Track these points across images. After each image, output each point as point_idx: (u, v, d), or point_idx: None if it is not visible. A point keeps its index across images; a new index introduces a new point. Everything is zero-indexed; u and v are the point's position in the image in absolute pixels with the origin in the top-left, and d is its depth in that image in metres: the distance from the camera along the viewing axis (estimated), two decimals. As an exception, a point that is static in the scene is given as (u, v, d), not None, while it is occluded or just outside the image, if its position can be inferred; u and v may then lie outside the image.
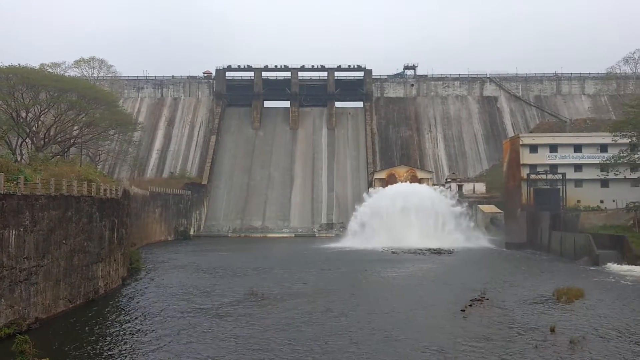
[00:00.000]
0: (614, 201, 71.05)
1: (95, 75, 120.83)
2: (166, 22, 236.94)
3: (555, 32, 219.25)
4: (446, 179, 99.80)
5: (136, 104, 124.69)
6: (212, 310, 31.99)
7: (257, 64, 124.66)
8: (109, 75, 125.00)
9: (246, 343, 25.13)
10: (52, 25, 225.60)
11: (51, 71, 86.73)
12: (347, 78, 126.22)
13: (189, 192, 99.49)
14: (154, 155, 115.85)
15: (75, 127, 76.30)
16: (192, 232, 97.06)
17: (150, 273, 47.66)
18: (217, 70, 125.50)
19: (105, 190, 38.75)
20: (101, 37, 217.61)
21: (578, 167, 76.67)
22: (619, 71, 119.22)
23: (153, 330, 27.56)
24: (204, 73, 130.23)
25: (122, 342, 25.75)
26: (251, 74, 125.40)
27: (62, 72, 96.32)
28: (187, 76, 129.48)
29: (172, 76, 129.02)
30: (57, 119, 71.00)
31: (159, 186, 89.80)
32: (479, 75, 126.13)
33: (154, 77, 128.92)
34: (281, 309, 32.21)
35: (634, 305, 33.05)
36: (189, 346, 24.73)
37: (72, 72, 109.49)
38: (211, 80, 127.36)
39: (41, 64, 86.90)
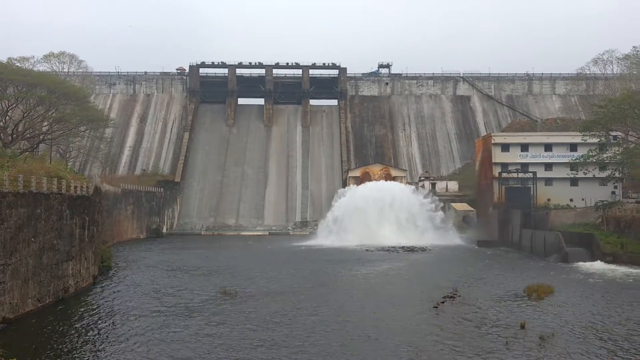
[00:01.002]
0: (583, 199, 72.46)
1: (66, 70, 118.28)
2: (139, 18, 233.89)
3: (527, 32, 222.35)
4: (419, 177, 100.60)
5: (108, 100, 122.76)
6: (183, 309, 31.73)
7: (232, 60, 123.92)
8: (80, 70, 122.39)
9: (217, 342, 24.98)
10: (19, 20, 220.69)
11: (19, 65, 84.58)
12: (322, 76, 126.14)
13: (162, 189, 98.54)
14: (126, 152, 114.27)
15: (45, 123, 74.69)
16: (164, 230, 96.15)
17: (122, 271, 47.07)
18: (190, 67, 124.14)
19: (75, 187, 38.09)
20: (71, 33, 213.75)
21: (548, 166, 77.91)
22: (588, 72, 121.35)
23: (123, 330, 27.21)
24: (177, 69, 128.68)
25: (92, 342, 25.37)
26: (225, 70, 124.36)
27: (30, 67, 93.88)
28: (160, 72, 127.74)
29: (145, 72, 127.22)
30: (25, 115, 69.42)
31: (131, 183, 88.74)
32: (452, 75, 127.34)
33: (126, 73, 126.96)
34: (253, 307, 32.10)
35: (602, 302, 33.77)
36: (160, 346, 24.48)
37: (42, 67, 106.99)
38: (184, 77, 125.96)
39: (9, 58, 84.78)
